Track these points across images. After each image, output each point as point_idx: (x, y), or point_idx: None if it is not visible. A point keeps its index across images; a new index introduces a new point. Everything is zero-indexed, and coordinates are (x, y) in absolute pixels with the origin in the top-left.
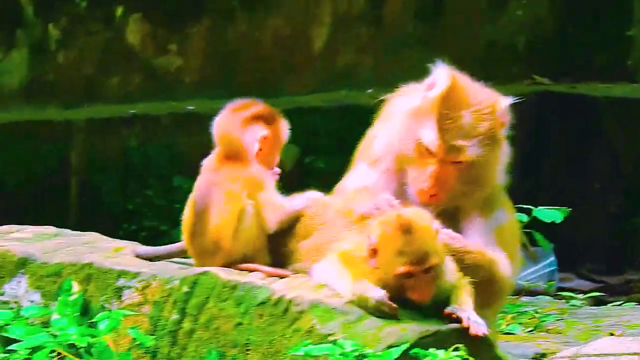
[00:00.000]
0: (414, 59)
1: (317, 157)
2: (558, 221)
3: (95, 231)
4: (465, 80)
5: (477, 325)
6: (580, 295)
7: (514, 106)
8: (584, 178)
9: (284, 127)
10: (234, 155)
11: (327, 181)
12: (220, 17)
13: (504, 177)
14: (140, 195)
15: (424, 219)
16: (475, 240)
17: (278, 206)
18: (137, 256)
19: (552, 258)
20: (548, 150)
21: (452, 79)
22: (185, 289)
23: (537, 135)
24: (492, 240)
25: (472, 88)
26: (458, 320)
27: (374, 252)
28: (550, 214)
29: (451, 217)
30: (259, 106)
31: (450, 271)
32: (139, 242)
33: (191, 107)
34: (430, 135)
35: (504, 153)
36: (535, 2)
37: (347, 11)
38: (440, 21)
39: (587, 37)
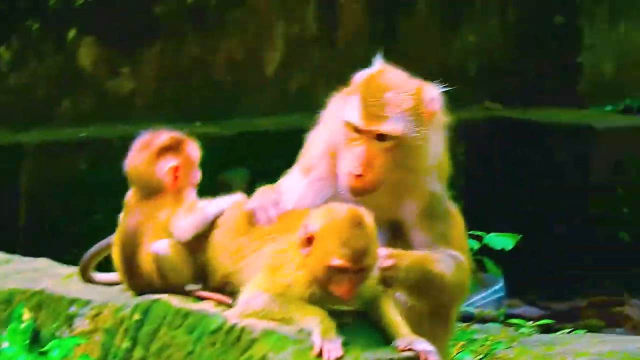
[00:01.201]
0: None
1: (269, 181)
2: (508, 248)
3: (45, 256)
4: (395, 71)
5: (433, 355)
6: (530, 323)
7: (465, 130)
8: (531, 203)
9: (194, 150)
10: (151, 191)
11: None
12: (173, 40)
13: (440, 179)
14: (91, 219)
15: (370, 219)
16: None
17: (185, 218)
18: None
19: (501, 284)
20: (498, 176)
21: (381, 67)
22: (137, 316)
23: (488, 161)
24: (439, 251)
25: (401, 76)
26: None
27: (309, 241)
28: (501, 241)
29: (395, 232)
30: (163, 137)
31: (374, 277)
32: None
33: (143, 131)
34: (353, 111)
35: (436, 142)
36: (487, 28)
37: (299, 34)
38: (392, 44)
39: (538, 62)
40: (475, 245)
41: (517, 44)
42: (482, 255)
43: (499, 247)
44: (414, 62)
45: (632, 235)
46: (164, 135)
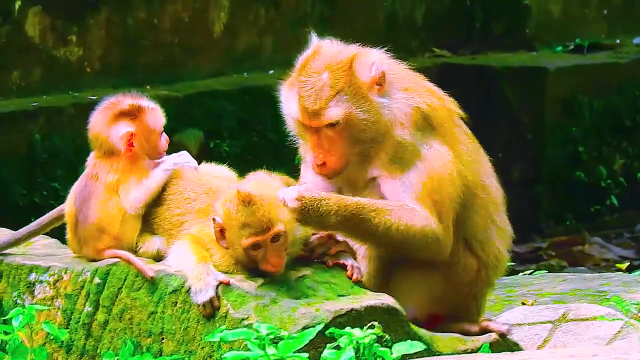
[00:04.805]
0: None
1: (221, 140)
2: None
3: (2, 225)
4: (330, 47)
5: (358, 270)
6: None
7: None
8: (487, 148)
9: (154, 117)
10: (108, 153)
11: (231, 164)
12: (119, 6)
13: (406, 129)
14: (47, 187)
15: (265, 188)
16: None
17: (135, 192)
18: None
19: None
20: None
21: (316, 47)
22: (97, 280)
23: None
24: (410, 198)
25: (335, 52)
26: (343, 266)
27: (222, 232)
28: None
29: (374, 186)
30: (123, 103)
31: (299, 237)
32: (45, 234)
33: (93, 97)
34: (295, 108)
35: (390, 101)
36: None
37: None
38: None
39: (485, 7)
40: None
41: None
42: None
43: None
44: (361, 15)
45: (587, 175)
46: (126, 100)
